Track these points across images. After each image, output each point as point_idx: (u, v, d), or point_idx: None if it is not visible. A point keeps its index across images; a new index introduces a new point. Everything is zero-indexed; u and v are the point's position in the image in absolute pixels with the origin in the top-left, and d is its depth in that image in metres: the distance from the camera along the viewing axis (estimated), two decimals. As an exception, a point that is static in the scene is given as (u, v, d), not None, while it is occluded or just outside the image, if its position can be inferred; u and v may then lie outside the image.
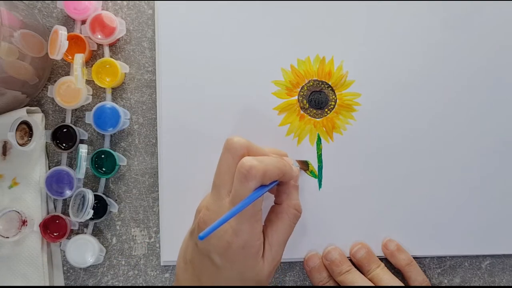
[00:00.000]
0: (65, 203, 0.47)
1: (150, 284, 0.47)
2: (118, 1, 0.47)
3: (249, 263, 0.37)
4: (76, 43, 0.45)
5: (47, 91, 0.46)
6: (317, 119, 0.46)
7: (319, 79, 0.46)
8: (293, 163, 0.44)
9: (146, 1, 0.47)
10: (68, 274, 0.47)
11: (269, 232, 0.39)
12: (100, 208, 0.46)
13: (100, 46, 0.47)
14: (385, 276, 0.45)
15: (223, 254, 0.37)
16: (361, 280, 0.44)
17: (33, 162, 0.46)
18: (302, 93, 0.46)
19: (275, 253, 0.39)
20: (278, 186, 0.41)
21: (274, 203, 0.41)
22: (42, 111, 0.47)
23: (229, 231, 0.36)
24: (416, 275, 0.45)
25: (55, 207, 0.47)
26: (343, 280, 0.44)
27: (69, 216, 0.45)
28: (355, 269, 0.45)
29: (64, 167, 0.46)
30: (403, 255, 0.46)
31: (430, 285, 0.46)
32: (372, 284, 0.44)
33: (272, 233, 0.39)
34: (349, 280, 0.44)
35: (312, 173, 0.46)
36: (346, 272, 0.45)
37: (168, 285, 0.47)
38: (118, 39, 0.47)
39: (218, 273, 0.37)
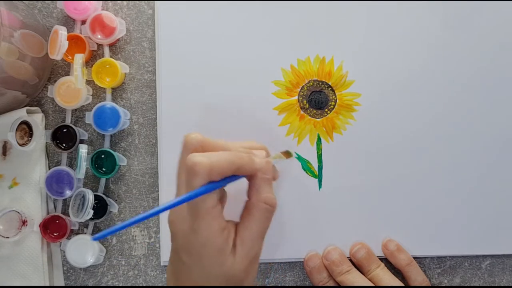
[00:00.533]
0: (65, 203, 0.47)
1: (150, 284, 0.47)
2: (118, 1, 0.47)
3: (214, 260, 0.36)
4: (76, 43, 0.45)
5: (47, 91, 0.46)
6: (317, 119, 0.46)
7: (319, 79, 0.46)
8: (273, 155, 0.41)
9: (146, 1, 0.47)
10: (68, 274, 0.47)
11: (241, 228, 0.37)
12: (100, 208, 0.46)
13: (100, 46, 0.47)
14: (385, 276, 0.45)
15: (188, 252, 0.36)
16: (361, 280, 0.44)
17: (33, 162, 0.46)
18: (302, 93, 0.46)
19: (248, 248, 0.37)
20: (249, 180, 0.39)
21: (247, 198, 0.39)
22: (42, 111, 0.47)
23: (187, 230, 0.36)
24: (416, 275, 0.45)
25: (55, 207, 0.47)
26: (343, 280, 0.44)
27: (69, 216, 0.45)
28: (355, 269, 0.45)
29: (64, 167, 0.46)
30: (403, 255, 0.46)
31: (430, 285, 0.46)
32: (372, 284, 0.44)
33: (244, 229, 0.37)
34: (349, 280, 0.44)
35: (306, 169, 0.46)
36: (346, 272, 0.45)
37: (168, 285, 0.47)
38: (118, 39, 0.47)
39: (189, 271, 0.37)
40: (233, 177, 0.37)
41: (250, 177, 0.38)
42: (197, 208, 0.35)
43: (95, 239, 0.33)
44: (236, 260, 0.37)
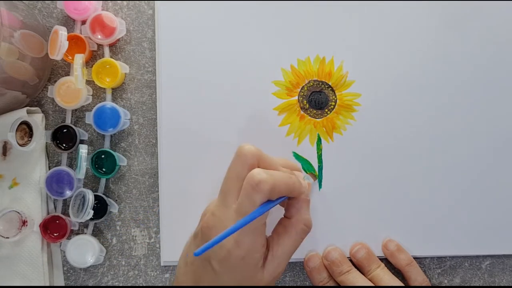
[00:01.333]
0: (65, 203, 0.47)
1: (150, 285, 0.47)
2: (118, 1, 0.47)
3: (247, 274, 0.37)
4: (76, 43, 0.45)
5: (47, 91, 0.46)
6: (317, 119, 0.46)
7: (319, 79, 0.46)
8: (304, 176, 0.43)
9: (146, 1, 0.47)
10: (68, 274, 0.47)
11: (275, 245, 0.39)
12: (100, 208, 0.46)
13: (100, 46, 0.47)
14: (385, 276, 0.45)
15: (222, 262, 0.37)
16: (362, 280, 0.44)
17: (33, 163, 0.46)
18: (302, 93, 0.46)
19: (277, 265, 0.38)
20: (289, 200, 0.40)
21: (284, 216, 0.41)
22: (42, 112, 0.47)
23: (231, 241, 0.36)
24: (416, 275, 0.45)
25: (55, 207, 0.47)
26: (343, 280, 0.44)
27: (69, 216, 0.45)
28: (355, 269, 0.45)
29: (64, 167, 0.46)
30: (403, 255, 0.46)
31: (430, 285, 0.46)
32: (372, 284, 0.44)
33: (278, 246, 0.39)
34: (349, 280, 0.44)
35: (302, 163, 0.46)
36: (347, 272, 0.45)
37: (168, 285, 0.47)
38: (118, 40, 0.47)
39: (216, 279, 0.37)
40: (282, 197, 0.38)
41: (292, 198, 0.40)
42: (250, 224, 0.35)
43: (196, 254, 0.33)
44: (264, 274, 0.38)
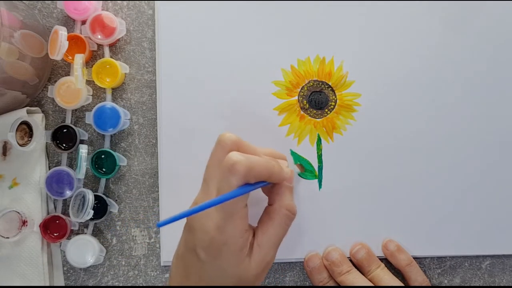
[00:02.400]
0: (65, 203, 0.47)
1: (150, 285, 0.47)
2: (118, 1, 0.47)
3: (232, 260, 0.37)
4: (76, 43, 0.45)
5: (47, 91, 0.46)
6: (317, 120, 0.46)
7: (319, 80, 0.46)
8: (289, 165, 0.43)
9: (146, 2, 0.47)
10: (68, 274, 0.47)
11: (259, 233, 0.39)
12: (100, 208, 0.46)
13: (100, 46, 0.47)
14: (385, 277, 0.45)
15: (206, 249, 0.36)
16: (362, 281, 0.44)
17: (33, 163, 0.46)
18: (302, 94, 0.46)
19: (264, 254, 0.38)
20: (271, 187, 0.40)
21: (268, 204, 0.41)
22: (42, 111, 0.47)
23: (212, 227, 0.36)
24: (416, 276, 0.45)
25: (55, 208, 0.47)
26: (343, 280, 0.44)
27: (69, 216, 0.45)
28: (356, 269, 0.45)
29: (64, 167, 0.46)
30: (403, 256, 0.46)
31: (430, 285, 0.46)
32: (372, 285, 0.44)
33: (262, 233, 0.38)
34: (349, 280, 0.44)
35: (308, 175, 0.46)
36: (347, 272, 0.45)
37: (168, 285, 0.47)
38: (118, 40, 0.47)
39: (203, 268, 0.37)
40: (262, 182, 0.38)
41: (274, 184, 0.39)
42: (229, 207, 0.36)
43: (158, 225, 0.33)
44: (251, 263, 0.37)
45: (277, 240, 0.39)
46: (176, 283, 0.39)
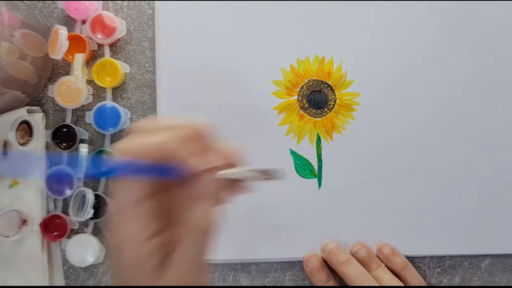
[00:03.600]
0: (66, 202, 0.47)
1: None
2: (119, 1, 0.48)
3: (130, 274, 0.28)
4: (76, 43, 0.45)
5: (47, 90, 0.46)
6: (317, 119, 0.46)
7: (318, 79, 0.46)
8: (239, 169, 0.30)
9: (146, 1, 0.48)
10: (68, 273, 0.47)
11: (178, 244, 0.29)
12: (100, 207, 0.46)
13: (100, 46, 0.47)
14: (385, 276, 0.45)
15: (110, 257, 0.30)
16: (362, 273, 0.44)
17: (34, 162, 0.46)
18: (301, 93, 0.46)
19: (178, 276, 0.28)
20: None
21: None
22: (43, 111, 0.47)
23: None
24: (412, 278, 0.45)
25: (55, 207, 0.47)
26: (344, 271, 0.44)
27: (69, 215, 0.45)
28: (355, 260, 0.45)
29: (64, 166, 0.46)
30: (398, 259, 0.46)
31: (427, 286, 0.46)
32: (373, 279, 0.44)
33: (177, 250, 0.28)
34: (351, 272, 0.44)
35: (307, 174, 0.46)
36: (346, 262, 0.44)
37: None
38: (119, 39, 0.47)
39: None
40: (162, 170, 0.28)
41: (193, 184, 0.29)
42: (117, 201, 0.27)
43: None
44: (159, 282, 0.28)
45: (194, 260, 0.29)
46: None
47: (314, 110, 0.46)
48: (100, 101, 0.46)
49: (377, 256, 0.46)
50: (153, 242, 0.28)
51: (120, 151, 0.27)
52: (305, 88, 0.46)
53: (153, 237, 0.28)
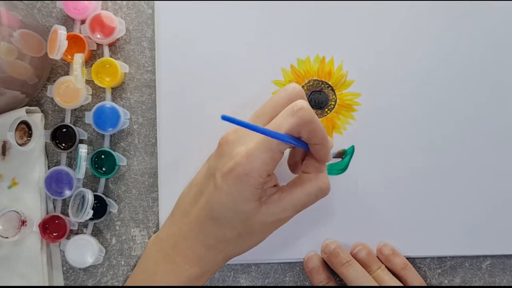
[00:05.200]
0: (65, 203, 0.46)
1: (149, 285, 0.47)
2: (118, 1, 0.47)
3: (246, 194, 0.36)
4: (75, 42, 0.45)
5: (46, 91, 0.46)
6: (317, 119, 0.46)
7: (319, 79, 0.46)
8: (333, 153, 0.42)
9: (145, 1, 0.47)
10: (68, 274, 0.47)
11: (285, 190, 0.38)
12: (100, 208, 0.46)
13: (99, 46, 0.47)
14: (386, 277, 0.45)
15: (225, 174, 0.36)
16: (363, 274, 0.44)
17: (33, 162, 0.46)
18: (302, 93, 0.46)
19: (280, 209, 0.38)
20: (307, 160, 0.40)
21: (302, 171, 0.40)
22: (42, 111, 0.47)
23: (242, 152, 0.36)
24: (413, 279, 0.45)
25: (54, 207, 0.47)
26: (344, 272, 0.44)
27: (68, 216, 0.45)
28: (355, 261, 0.45)
29: (63, 167, 0.46)
30: (398, 259, 0.45)
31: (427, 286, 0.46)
32: (373, 280, 0.44)
33: (288, 192, 0.38)
34: (350, 273, 0.44)
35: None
36: (347, 263, 0.44)
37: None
38: (118, 39, 0.47)
39: (214, 194, 0.37)
40: (306, 145, 0.38)
41: (311, 157, 0.39)
42: (268, 142, 0.35)
43: (223, 117, 0.32)
44: (263, 209, 0.37)
45: (299, 205, 0.38)
46: (181, 210, 0.40)
47: (315, 110, 0.46)
48: (99, 101, 0.46)
49: (377, 256, 0.46)
50: (270, 179, 0.38)
51: (301, 119, 0.35)
52: (305, 88, 0.46)
53: (272, 178, 0.38)
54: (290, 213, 0.38)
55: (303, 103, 0.36)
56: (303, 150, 0.40)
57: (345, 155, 0.46)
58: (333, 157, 0.43)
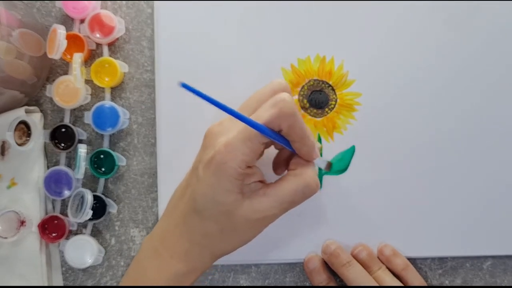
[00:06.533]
0: (64, 203, 0.46)
1: (149, 285, 0.47)
2: (117, 0, 0.47)
3: (223, 184, 0.35)
4: (74, 42, 0.45)
5: (45, 90, 0.46)
6: (318, 119, 0.46)
7: (319, 79, 0.46)
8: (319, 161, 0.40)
9: (145, 0, 0.47)
10: (67, 275, 0.47)
11: (271, 186, 0.37)
12: (99, 208, 0.46)
13: (99, 45, 0.47)
14: (387, 278, 0.44)
15: (206, 165, 0.36)
16: (363, 274, 0.44)
17: (32, 162, 0.46)
18: (302, 93, 0.46)
19: (265, 206, 0.37)
20: (294, 158, 0.39)
21: (288, 169, 0.39)
22: (41, 111, 0.47)
23: (222, 142, 0.36)
24: (414, 279, 0.45)
25: (53, 208, 0.46)
26: (344, 273, 0.44)
27: (67, 216, 0.45)
28: (356, 262, 0.45)
29: (62, 167, 0.45)
30: (399, 260, 0.45)
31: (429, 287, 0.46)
32: (373, 280, 0.44)
33: (274, 187, 0.37)
34: (351, 274, 0.44)
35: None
36: (347, 263, 0.44)
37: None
38: (117, 38, 0.47)
39: (197, 185, 0.37)
40: (286, 141, 0.37)
41: (297, 157, 0.38)
42: (247, 132, 0.35)
43: (181, 84, 0.32)
44: (246, 204, 0.36)
45: (285, 202, 0.37)
46: (171, 205, 0.40)
47: (315, 110, 0.46)
48: (99, 101, 0.46)
49: (378, 257, 0.46)
50: (252, 172, 0.37)
51: (281, 111, 0.35)
52: (305, 87, 0.46)
53: (254, 171, 0.37)
54: (276, 210, 0.37)
55: (285, 96, 0.35)
56: (289, 152, 0.39)
57: (330, 169, 0.45)
58: (320, 166, 0.40)
